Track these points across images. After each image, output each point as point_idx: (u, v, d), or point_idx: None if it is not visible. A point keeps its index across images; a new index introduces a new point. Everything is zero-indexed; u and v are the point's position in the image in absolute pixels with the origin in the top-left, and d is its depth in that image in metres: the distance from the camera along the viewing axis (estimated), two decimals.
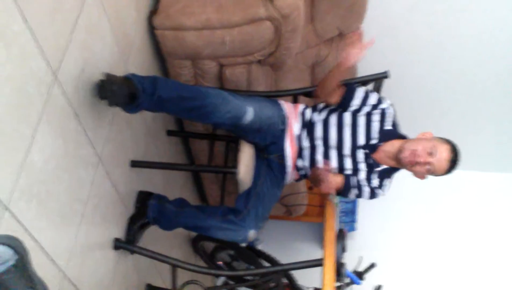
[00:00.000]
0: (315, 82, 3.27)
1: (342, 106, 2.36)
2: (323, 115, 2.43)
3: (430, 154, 2.16)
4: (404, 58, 3.71)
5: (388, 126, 2.35)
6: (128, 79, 2.07)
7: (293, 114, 2.47)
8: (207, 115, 2.24)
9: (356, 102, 2.34)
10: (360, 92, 2.34)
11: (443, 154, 2.16)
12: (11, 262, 1.37)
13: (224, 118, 2.24)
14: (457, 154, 2.19)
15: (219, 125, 2.44)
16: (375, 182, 2.36)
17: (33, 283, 1.43)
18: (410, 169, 2.25)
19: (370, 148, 2.34)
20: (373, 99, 2.34)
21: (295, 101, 2.65)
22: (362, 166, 2.36)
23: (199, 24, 2.47)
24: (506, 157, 4.44)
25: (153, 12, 2.53)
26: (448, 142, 2.21)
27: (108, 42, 2.11)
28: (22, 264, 1.41)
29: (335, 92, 2.35)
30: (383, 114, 2.35)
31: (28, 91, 1.55)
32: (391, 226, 4.46)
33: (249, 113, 2.27)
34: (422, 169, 2.19)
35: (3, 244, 1.36)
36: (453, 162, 2.17)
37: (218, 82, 2.75)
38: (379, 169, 2.35)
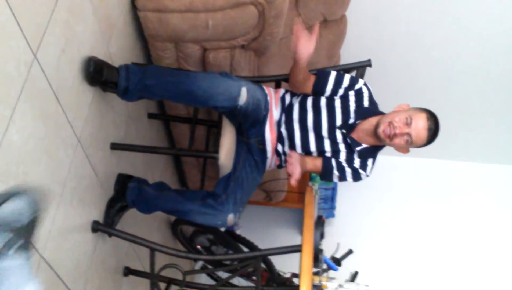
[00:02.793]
0: None
1: (317, 93, 2.37)
2: (300, 97, 2.43)
3: (407, 124, 2.15)
4: (388, 45, 3.71)
5: (365, 105, 2.34)
6: (116, 69, 2.21)
7: (274, 99, 2.46)
8: (199, 99, 2.27)
9: (329, 88, 2.34)
10: (332, 77, 2.34)
11: (419, 123, 2.15)
12: (36, 214, 1.37)
13: (218, 100, 2.24)
14: (436, 122, 2.18)
15: (216, 108, 2.41)
16: (357, 162, 2.35)
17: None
18: (389, 144, 2.23)
19: (348, 128, 2.33)
20: (346, 81, 2.34)
21: (277, 86, 2.65)
22: (341, 147, 2.35)
23: (182, 7, 2.45)
24: (486, 148, 4.51)
25: None
26: (425, 110, 2.20)
27: (90, 22, 2.08)
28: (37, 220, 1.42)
29: (308, 82, 2.36)
30: (358, 94, 2.34)
31: (7, 71, 1.53)
32: (369, 213, 4.51)
33: (243, 93, 2.25)
34: (401, 141, 2.18)
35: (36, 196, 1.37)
36: (431, 130, 2.16)
37: (201, 66, 2.73)
38: (359, 148, 2.34)
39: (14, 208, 1.32)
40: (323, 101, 2.36)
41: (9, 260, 1.29)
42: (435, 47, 3.73)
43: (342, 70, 2.58)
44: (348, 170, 2.35)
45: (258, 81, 2.60)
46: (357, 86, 2.34)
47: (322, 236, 2.35)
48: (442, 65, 3.85)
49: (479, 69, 3.84)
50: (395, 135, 2.16)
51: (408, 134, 2.16)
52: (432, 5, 3.46)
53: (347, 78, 2.34)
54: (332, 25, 3.19)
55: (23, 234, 1.34)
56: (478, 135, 4.39)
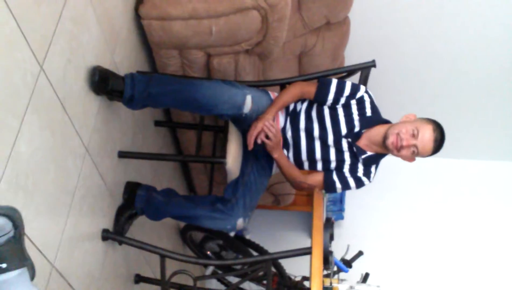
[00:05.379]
0: (302, 71, 3.27)
1: (318, 101, 2.39)
2: (305, 104, 2.44)
3: (413, 136, 2.18)
4: (392, 45, 3.71)
5: (367, 113, 2.36)
6: (121, 78, 2.23)
7: None
8: (204, 107, 2.30)
9: (331, 97, 2.35)
10: (333, 85, 2.35)
11: (426, 135, 2.17)
12: (11, 234, 1.37)
13: (223, 108, 2.27)
14: (442, 133, 2.20)
15: (221, 116, 2.44)
16: (360, 170, 2.37)
17: (25, 258, 1.43)
18: (397, 155, 2.26)
19: (353, 136, 2.35)
20: (347, 89, 2.35)
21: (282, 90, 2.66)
22: (346, 156, 2.37)
23: (185, 14, 2.46)
24: (492, 145, 4.50)
25: (140, 1, 2.51)
26: (431, 121, 2.22)
27: (94, 32, 2.09)
28: (19, 237, 1.41)
29: (307, 94, 2.39)
30: (360, 103, 2.36)
31: (14, 82, 1.54)
32: (378, 214, 4.49)
33: (248, 101, 2.28)
34: (408, 152, 2.21)
35: (5, 215, 1.37)
36: (437, 142, 2.19)
37: (205, 72, 2.74)
38: (364, 156, 2.35)
39: None
40: (326, 111, 2.38)
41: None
42: (438, 47, 3.72)
43: (347, 72, 2.59)
44: (351, 180, 2.37)
45: (262, 85, 2.60)
46: (358, 95, 2.35)
47: (331, 238, 2.35)
48: (445, 64, 3.85)
49: (483, 67, 3.83)
50: (402, 147, 2.20)
51: (415, 146, 2.18)
52: (434, 5, 3.46)
53: (348, 86, 2.35)
54: (336, 27, 3.19)
55: (11, 257, 1.36)
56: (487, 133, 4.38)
